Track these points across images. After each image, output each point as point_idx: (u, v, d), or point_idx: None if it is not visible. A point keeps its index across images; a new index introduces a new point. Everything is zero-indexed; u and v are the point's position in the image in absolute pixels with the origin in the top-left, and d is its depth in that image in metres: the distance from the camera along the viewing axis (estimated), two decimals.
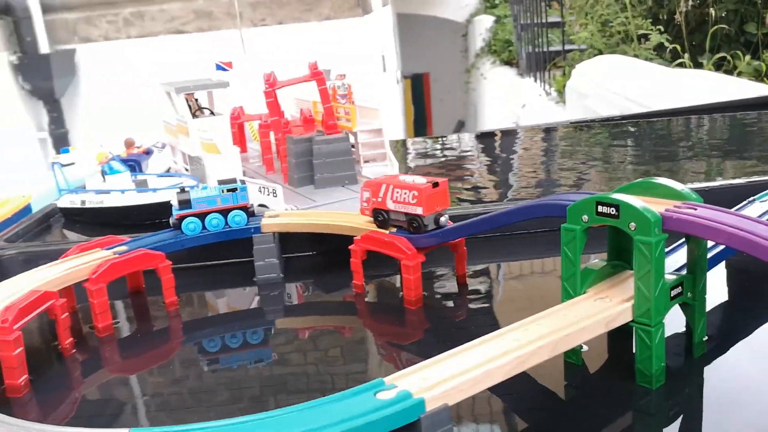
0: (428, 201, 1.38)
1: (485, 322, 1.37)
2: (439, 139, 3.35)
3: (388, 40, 8.93)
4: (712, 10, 5.79)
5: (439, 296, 1.49)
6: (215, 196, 1.54)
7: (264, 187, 1.83)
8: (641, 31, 6.04)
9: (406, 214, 1.42)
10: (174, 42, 7.69)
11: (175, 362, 1.32)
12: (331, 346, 1.35)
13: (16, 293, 1.26)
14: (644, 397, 1.03)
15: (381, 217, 1.48)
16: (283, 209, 1.78)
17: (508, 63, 9.56)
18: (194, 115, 2.01)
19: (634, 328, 1.05)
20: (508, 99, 7.64)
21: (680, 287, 1.08)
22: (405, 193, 1.41)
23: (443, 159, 2.90)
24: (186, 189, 1.53)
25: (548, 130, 3.25)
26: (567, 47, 7.34)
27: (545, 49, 7.45)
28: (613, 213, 1.04)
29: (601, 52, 6.36)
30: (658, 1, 6.28)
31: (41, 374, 1.24)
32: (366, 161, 2.17)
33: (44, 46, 6.80)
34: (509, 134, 3.36)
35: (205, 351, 1.35)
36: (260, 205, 1.86)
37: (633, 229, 1.02)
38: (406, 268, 1.39)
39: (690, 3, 5.93)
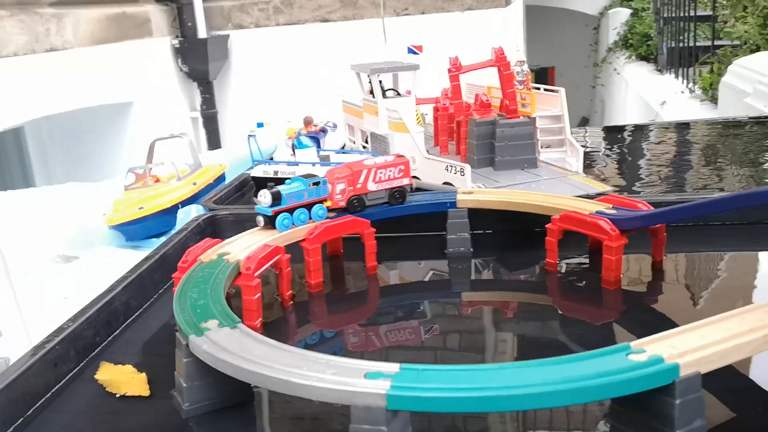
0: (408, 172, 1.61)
1: (682, 308, 1.37)
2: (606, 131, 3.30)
3: (519, 32, 8.81)
4: None
5: (635, 279, 1.50)
6: (303, 190, 1.49)
7: (451, 166, 1.89)
8: None
9: (390, 189, 1.62)
10: (320, 30, 7.95)
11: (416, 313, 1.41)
12: (532, 318, 1.40)
13: (250, 246, 1.39)
14: None
15: (356, 203, 1.59)
16: (470, 187, 1.84)
17: (644, 58, 9.18)
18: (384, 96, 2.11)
19: None
20: (645, 95, 7.34)
21: None
22: (390, 171, 1.61)
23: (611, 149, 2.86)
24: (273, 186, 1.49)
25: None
26: (717, 43, 6.97)
27: (691, 44, 7.10)
28: None
29: (759, 48, 6.00)
30: None
31: (267, 319, 1.36)
32: (544, 146, 2.19)
33: (202, 31, 7.24)
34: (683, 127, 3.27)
35: (420, 312, 1.43)
36: (445, 183, 1.94)
37: None
38: (609, 249, 1.41)
39: None
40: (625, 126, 3.45)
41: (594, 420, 0.96)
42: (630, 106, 7.99)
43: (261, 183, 2.23)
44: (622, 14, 10.60)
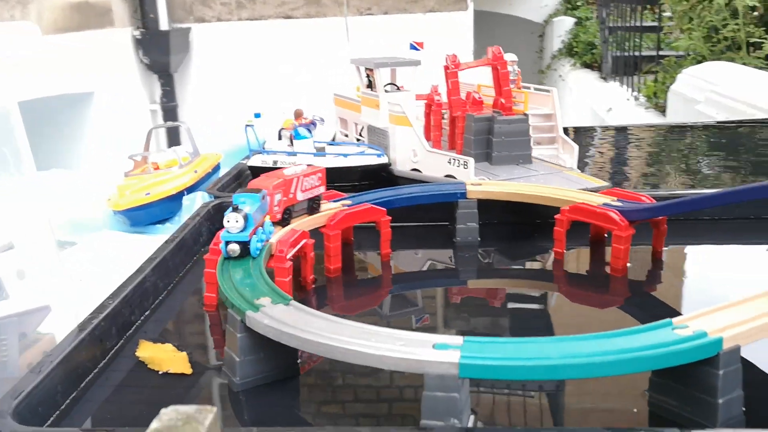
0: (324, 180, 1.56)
1: (681, 294, 1.46)
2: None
3: (471, 36, 8.98)
4: None
5: (637, 268, 1.58)
6: (259, 205, 1.31)
7: (454, 159, 1.95)
8: (753, 39, 5.92)
9: (310, 198, 1.52)
10: (283, 26, 7.93)
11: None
12: (549, 302, 1.46)
13: (278, 231, 1.41)
14: None
15: (287, 215, 1.46)
16: (473, 180, 1.90)
17: (589, 66, 9.47)
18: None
19: None
20: (591, 102, 7.58)
21: None
22: (312, 179, 1.51)
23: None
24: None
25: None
26: (661, 53, 7.27)
27: (636, 54, 7.38)
28: None
29: (704, 59, 6.28)
30: None
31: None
32: (534, 144, 2.27)
33: (164, 23, 7.13)
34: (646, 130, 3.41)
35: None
36: (447, 176, 1.99)
37: None
38: (618, 239, 1.49)
39: None
40: (592, 127, 3.58)
41: (636, 394, 1.03)
42: (576, 112, 8.21)
43: (258, 173, 2.25)
44: (567, 22, 10.90)
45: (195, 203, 1.82)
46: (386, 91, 2.17)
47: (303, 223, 1.50)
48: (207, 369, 1.15)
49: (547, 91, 2.28)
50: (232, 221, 1.23)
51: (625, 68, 7.54)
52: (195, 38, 7.68)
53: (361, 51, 2.73)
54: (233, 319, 1.07)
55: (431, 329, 1.29)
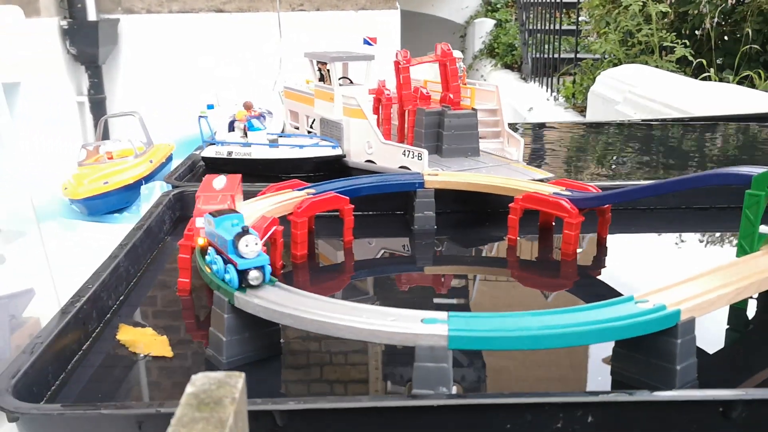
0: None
1: (626, 276, 1.57)
2: None
3: (398, 34, 9.12)
4: (740, 28, 6.05)
5: (584, 254, 1.69)
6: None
7: (409, 151, 2.01)
8: (665, 44, 6.26)
9: None
10: (214, 20, 7.82)
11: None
12: (510, 283, 1.55)
13: (249, 217, 1.44)
14: None
15: None
16: (427, 171, 1.97)
17: (509, 66, 9.78)
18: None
19: None
20: (512, 102, 7.82)
21: None
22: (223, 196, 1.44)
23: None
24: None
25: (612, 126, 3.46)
26: (579, 55, 7.59)
27: (554, 56, 7.69)
28: None
29: (620, 62, 6.60)
30: (681, 16, 6.52)
31: None
32: (481, 137, 2.36)
33: (92, 14, 6.91)
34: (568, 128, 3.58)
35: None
36: (401, 167, 2.05)
37: None
38: (569, 225, 1.59)
39: (714, 20, 6.18)
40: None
41: (602, 363, 1.12)
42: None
43: (212, 164, 2.25)
44: (487, 24, 11.18)
45: (154, 193, 1.80)
46: (339, 84, 2.21)
47: (272, 210, 1.53)
48: (187, 351, 1.18)
49: (492, 87, 2.37)
50: (251, 245, 1.06)
51: (545, 70, 7.83)
52: (124, 30, 7.48)
53: (293, 47, 2.76)
54: (220, 300, 1.09)
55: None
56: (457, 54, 2.44)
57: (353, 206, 1.67)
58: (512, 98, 7.77)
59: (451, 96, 2.27)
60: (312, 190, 1.68)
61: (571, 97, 6.95)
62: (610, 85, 5.58)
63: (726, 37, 6.30)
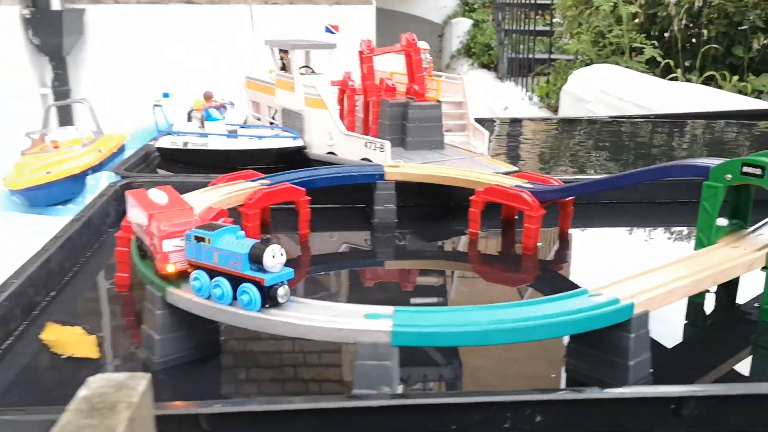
0: None
1: (587, 270, 1.53)
2: None
3: (373, 31, 9.08)
4: (705, 31, 6.12)
5: (546, 248, 1.65)
6: None
7: (371, 142, 1.96)
8: (635, 45, 6.32)
9: None
10: (184, 11, 7.70)
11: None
12: (469, 277, 1.50)
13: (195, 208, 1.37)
14: (764, 335, 1.20)
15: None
16: (389, 163, 1.92)
17: (486, 66, 9.80)
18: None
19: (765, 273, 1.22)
20: (488, 101, 7.84)
21: None
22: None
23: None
24: None
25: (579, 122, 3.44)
26: (552, 56, 7.67)
27: (529, 56, 7.74)
28: (758, 173, 1.21)
29: (592, 62, 6.64)
30: (650, 18, 6.57)
31: None
32: (445, 130, 2.31)
33: (56, 3, 6.75)
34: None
35: None
36: (363, 159, 2.00)
37: None
38: (530, 219, 1.55)
39: (683, 22, 6.24)
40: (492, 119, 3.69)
41: (556, 359, 1.07)
42: (474, 110, 8.41)
43: (168, 155, 2.18)
44: (465, 24, 11.20)
45: (100, 184, 1.72)
46: (301, 74, 2.15)
47: (221, 202, 1.46)
48: (120, 350, 1.11)
49: (458, 79, 2.33)
50: (277, 256, 0.91)
51: (520, 69, 7.89)
52: (90, 20, 7.32)
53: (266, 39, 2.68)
54: (152, 295, 1.03)
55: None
56: (423, 45, 2.39)
57: (309, 198, 1.61)
58: (488, 97, 7.78)
59: (416, 87, 2.22)
60: (266, 181, 1.62)
61: (545, 96, 7.00)
62: (582, 85, 5.61)
63: (694, 40, 6.36)
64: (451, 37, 11.52)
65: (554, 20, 8.00)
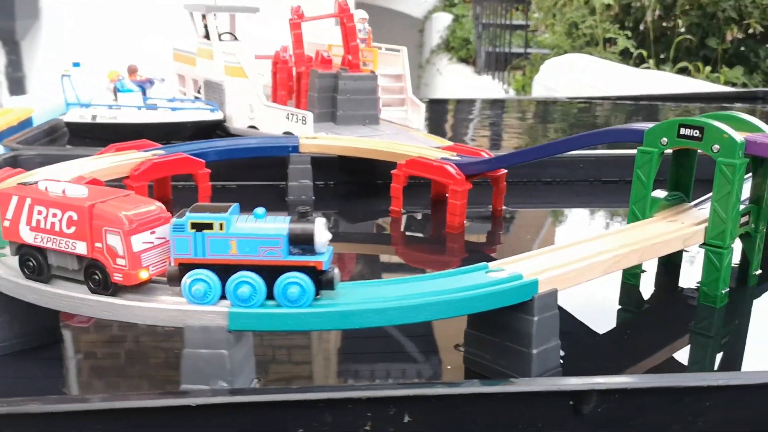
0: None
1: (515, 251, 1.38)
2: None
3: None
4: (679, 21, 6.03)
5: (475, 227, 1.49)
6: None
7: (292, 114, 1.79)
8: (608, 35, 6.22)
9: None
10: None
11: None
12: (378, 260, 1.34)
13: (61, 178, 1.20)
14: (702, 321, 1.05)
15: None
16: (308, 135, 1.75)
17: (464, 60, 9.72)
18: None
19: (704, 251, 1.07)
20: (466, 95, 7.78)
21: (748, 216, 1.11)
22: None
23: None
24: None
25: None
26: (528, 50, 7.59)
27: (506, 50, 7.67)
28: (696, 135, 1.06)
29: (566, 53, 6.55)
30: (624, 9, 6.49)
31: None
32: (384, 106, 2.15)
33: None
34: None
35: None
36: (285, 132, 1.83)
37: (716, 151, 1.03)
38: (454, 194, 1.39)
39: (657, 13, 6.15)
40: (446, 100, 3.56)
41: (450, 348, 0.92)
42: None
43: (76, 129, 2.00)
44: (445, 19, 11.09)
45: None
46: (221, 40, 1.97)
47: (99, 171, 1.29)
48: None
49: (397, 50, 2.16)
50: (325, 231, 0.75)
51: (497, 63, 7.82)
52: (45, 4, 7.06)
53: None
54: None
55: None
56: (360, 14, 2.22)
57: (209, 171, 1.44)
58: (466, 92, 7.71)
59: (350, 58, 2.05)
60: (161, 152, 1.44)
61: (521, 89, 6.94)
62: (553, 74, 5.51)
63: (669, 32, 6.27)
64: (432, 32, 11.40)
65: (534, 15, 7.93)
